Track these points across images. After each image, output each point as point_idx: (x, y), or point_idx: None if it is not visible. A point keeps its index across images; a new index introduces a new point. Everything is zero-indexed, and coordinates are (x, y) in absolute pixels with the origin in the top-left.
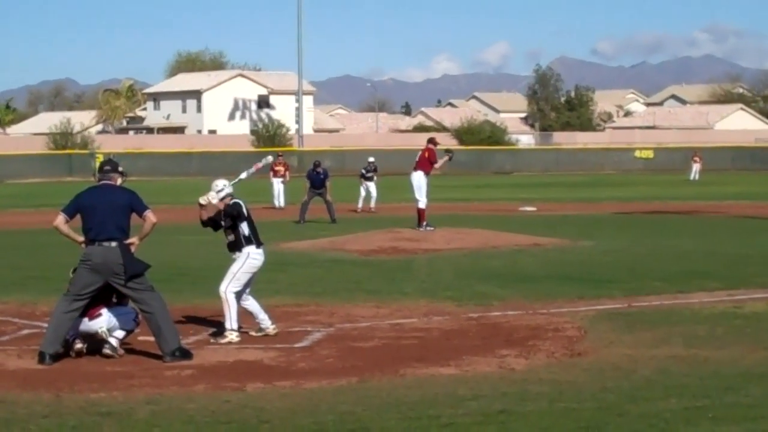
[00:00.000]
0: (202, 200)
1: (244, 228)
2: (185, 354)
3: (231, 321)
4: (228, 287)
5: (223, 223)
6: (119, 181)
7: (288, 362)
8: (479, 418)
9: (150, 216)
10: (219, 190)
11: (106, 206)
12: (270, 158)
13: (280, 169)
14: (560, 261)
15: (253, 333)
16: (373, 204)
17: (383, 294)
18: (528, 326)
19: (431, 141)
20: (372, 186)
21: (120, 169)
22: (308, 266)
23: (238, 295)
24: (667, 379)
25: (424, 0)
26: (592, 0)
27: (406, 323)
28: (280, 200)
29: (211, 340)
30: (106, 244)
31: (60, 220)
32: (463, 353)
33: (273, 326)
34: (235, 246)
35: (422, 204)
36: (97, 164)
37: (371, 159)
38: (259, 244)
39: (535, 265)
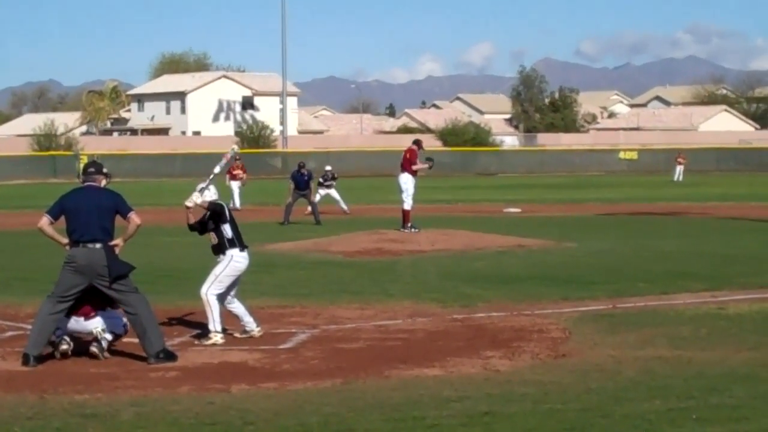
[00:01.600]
0: (188, 203)
1: (227, 230)
2: (170, 356)
3: (214, 323)
4: (209, 289)
5: (207, 225)
6: (104, 183)
7: (273, 364)
8: (464, 420)
9: (134, 218)
10: (200, 189)
11: (90, 208)
12: (235, 147)
13: (239, 172)
14: (544, 262)
15: (237, 335)
16: (344, 206)
17: (368, 295)
18: (512, 327)
19: (415, 142)
20: (333, 192)
21: (104, 170)
22: (293, 268)
23: (221, 297)
24: (652, 380)
25: (407, 1)
26: (576, 0)
27: (391, 325)
28: (235, 202)
29: (196, 342)
30: (90, 245)
31: (44, 221)
32: (448, 355)
33: (258, 328)
34: (219, 249)
35: (407, 205)
36: (81, 166)
37: (328, 168)
38: (243, 247)
39: (520, 266)
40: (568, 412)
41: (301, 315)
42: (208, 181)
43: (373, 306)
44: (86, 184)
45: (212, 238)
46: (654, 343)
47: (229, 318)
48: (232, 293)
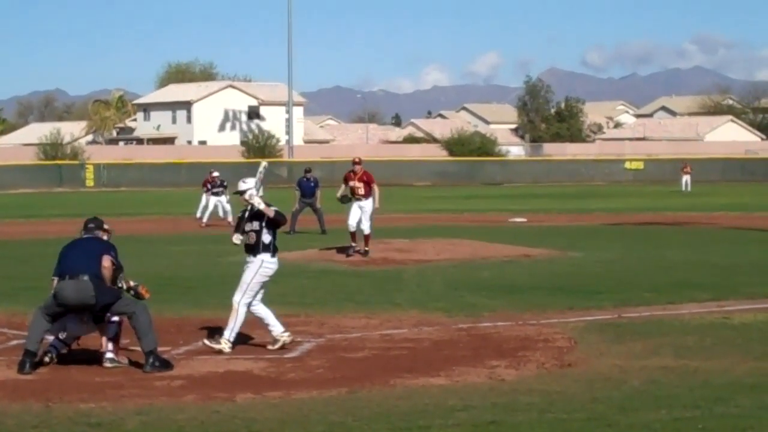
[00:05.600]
0: (258, 205)
1: (267, 235)
2: (165, 364)
3: (231, 331)
4: (242, 299)
5: (251, 224)
6: (105, 238)
7: (278, 373)
8: (469, 429)
9: (104, 261)
10: (247, 188)
11: (80, 250)
12: (264, 162)
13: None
14: (550, 272)
15: (270, 347)
16: (230, 217)
17: (373, 304)
18: (518, 337)
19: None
20: (223, 199)
21: (105, 226)
22: (298, 277)
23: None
24: (657, 389)
25: (414, 10)
26: (582, 10)
27: (397, 334)
28: (205, 214)
29: (204, 341)
30: (77, 277)
31: (54, 284)
32: (454, 364)
33: (287, 334)
34: (253, 249)
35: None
36: (87, 175)
37: (215, 173)
38: (274, 253)
39: (525, 276)
40: (574, 422)
41: (307, 324)
42: (256, 189)
43: (379, 315)
44: (85, 236)
45: (250, 237)
46: (659, 353)
47: (254, 328)
48: (258, 297)
